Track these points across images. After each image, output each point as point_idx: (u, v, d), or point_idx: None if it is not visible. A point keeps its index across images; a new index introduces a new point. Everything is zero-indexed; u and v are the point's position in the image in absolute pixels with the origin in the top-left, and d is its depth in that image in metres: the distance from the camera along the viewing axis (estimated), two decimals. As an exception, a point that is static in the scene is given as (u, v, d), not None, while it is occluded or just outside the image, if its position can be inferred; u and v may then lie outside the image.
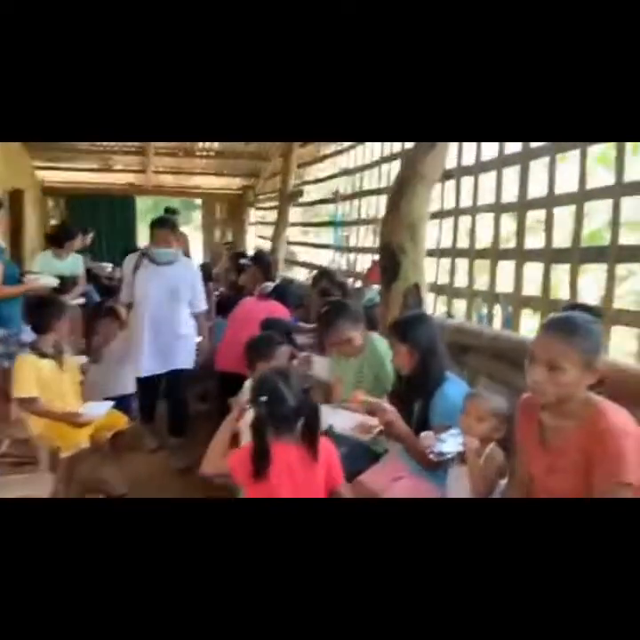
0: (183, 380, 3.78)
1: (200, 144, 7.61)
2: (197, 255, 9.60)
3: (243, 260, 5.39)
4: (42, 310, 3.11)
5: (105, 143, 7.39)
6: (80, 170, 8.25)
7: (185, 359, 3.71)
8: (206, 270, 6.98)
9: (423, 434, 1.88)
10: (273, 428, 1.76)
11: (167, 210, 6.84)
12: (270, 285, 4.29)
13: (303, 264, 6.33)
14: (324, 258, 5.70)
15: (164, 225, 3.65)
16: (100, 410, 2.90)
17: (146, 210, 21.79)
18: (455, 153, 3.13)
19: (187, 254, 6.72)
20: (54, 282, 4.00)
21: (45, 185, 8.33)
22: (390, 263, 2.69)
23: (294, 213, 6.53)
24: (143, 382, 3.68)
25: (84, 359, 3.48)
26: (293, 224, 6.53)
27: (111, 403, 3.00)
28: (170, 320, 3.61)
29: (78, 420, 2.85)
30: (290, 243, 6.49)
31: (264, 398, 1.75)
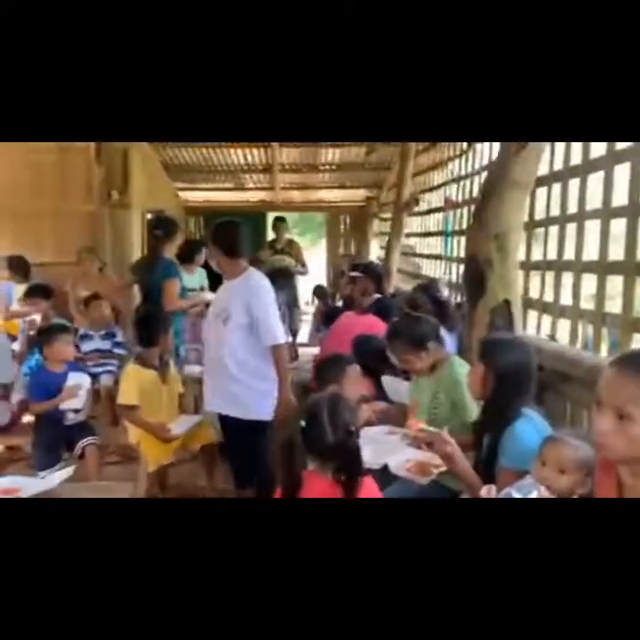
0: (246, 435, 2.82)
1: (322, 158, 7.70)
2: (321, 269, 9.73)
3: (353, 272, 5.28)
4: (150, 324, 3.28)
5: (236, 162, 7.80)
6: (217, 189, 8.76)
7: (249, 409, 2.77)
8: (321, 292, 7.07)
9: (485, 488, 1.61)
10: (308, 452, 1.62)
11: (277, 219, 7.13)
12: (373, 299, 4.15)
13: (416, 275, 6.07)
14: (437, 269, 5.39)
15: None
16: (185, 426, 2.98)
17: (291, 224, 22.83)
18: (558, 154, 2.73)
19: (303, 265, 6.82)
20: (212, 296, 4.24)
21: (188, 205, 8.96)
22: (475, 277, 2.41)
23: (417, 223, 6.30)
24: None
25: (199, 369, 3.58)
26: (408, 234, 6.30)
27: (200, 417, 3.07)
28: (218, 353, 2.82)
29: (165, 435, 2.94)
30: (405, 254, 6.26)
31: (303, 423, 1.62)
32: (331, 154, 7.57)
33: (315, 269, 8.35)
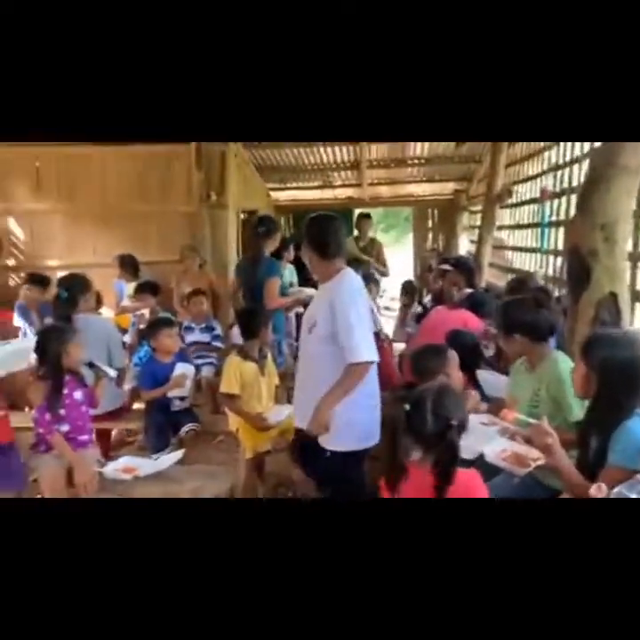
0: (324, 464, 2.43)
1: (411, 152, 7.60)
2: (408, 265, 9.59)
3: (444, 266, 5.17)
4: (252, 318, 3.40)
5: (324, 160, 7.88)
6: (305, 188, 8.90)
7: (327, 437, 2.36)
8: (410, 287, 6.93)
9: (594, 486, 1.53)
10: (410, 437, 1.64)
11: (361, 215, 6.86)
12: (465, 293, 4.05)
13: (509, 269, 5.84)
14: (530, 263, 5.17)
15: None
16: (281, 416, 3.06)
17: (376, 220, 22.72)
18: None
19: (383, 265, 6.42)
20: (312, 292, 4.38)
21: (277, 204, 9.18)
22: (578, 269, 2.30)
23: (508, 215, 6.07)
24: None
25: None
26: (500, 227, 6.07)
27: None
28: (304, 365, 2.51)
29: (261, 424, 3.05)
30: (496, 247, 6.05)
31: (407, 407, 1.63)
32: (419, 148, 7.45)
33: (400, 266, 8.27)
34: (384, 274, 6.75)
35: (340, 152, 7.58)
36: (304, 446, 2.56)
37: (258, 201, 7.73)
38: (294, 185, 8.74)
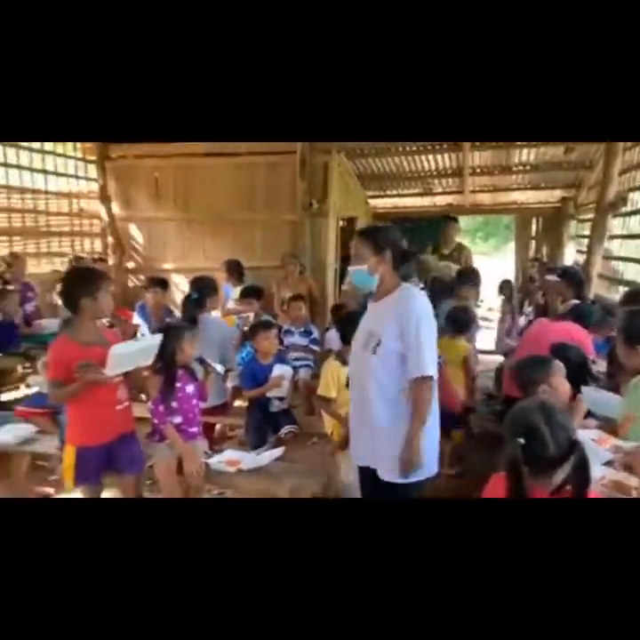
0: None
1: (516, 159, 7.34)
2: (507, 275, 9.22)
3: (550, 276, 4.94)
4: (349, 324, 3.46)
5: (426, 168, 7.81)
6: (405, 195, 8.86)
7: (394, 470, 2.16)
8: (507, 288, 6.64)
9: None
10: (529, 469, 1.50)
11: (447, 218, 6.30)
12: (569, 304, 3.86)
13: (620, 281, 5.46)
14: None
15: (360, 236, 2.31)
16: None
17: (475, 228, 22.06)
18: None
19: (473, 273, 6.07)
20: None
21: (376, 211, 9.21)
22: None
23: (618, 224, 5.68)
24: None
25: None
26: (612, 236, 5.69)
27: None
28: (363, 390, 2.25)
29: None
30: (606, 257, 5.67)
31: (521, 440, 1.49)
32: (525, 154, 7.18)
33: (500, 275, 7.95)
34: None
35: (443, 159, 7.48)
36: (362, 470, 2.40)
37: (357, 208, 7.81)
38: (394, 192, 8.74)
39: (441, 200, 8.88)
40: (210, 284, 3.81)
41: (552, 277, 4.65)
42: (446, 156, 7.32)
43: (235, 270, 5.61)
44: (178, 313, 5.25)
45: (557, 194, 8.21)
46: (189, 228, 6.59)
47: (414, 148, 7.02)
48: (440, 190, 8.59)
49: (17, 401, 4.30)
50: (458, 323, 3.86)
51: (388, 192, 8.71)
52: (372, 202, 8.93)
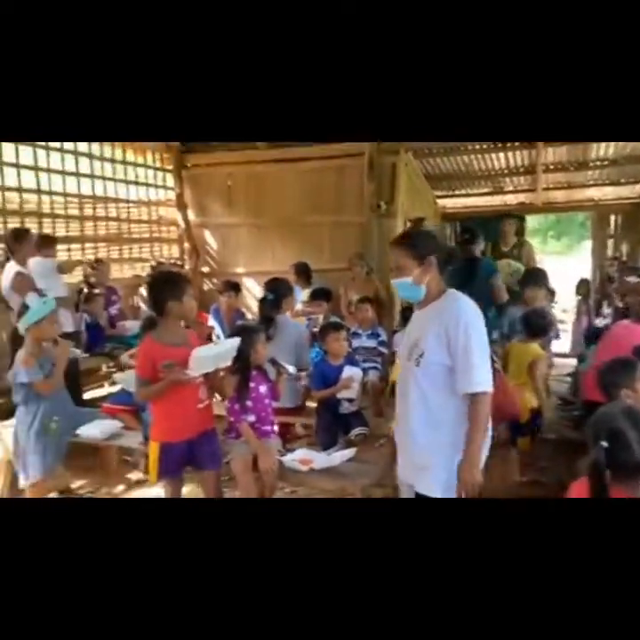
0: None
1: (593, 154, 7.01)
2: (583, 274, 8.81)
3: (629, 277, 4.70)
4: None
5: (497, 166, 7.61)
6: (474, 195, 8.68)
7: (438, 490, 1.98)
8: (585, 288, 6.31)
9: None
10: (612, 473, 1.49)
11: (506, 216, 6.17)
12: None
13: None
14: None
15: (399, 246, 2.11)
16: None
17: (547, 227, 21.13)
18: None
19: (538, 273, 5.68)
20: None
21: (445, 212, 9.07)
22: None
23: None
24: None
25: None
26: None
27: None
28: (406, 404, 2.08)
29: None
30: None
31: (605, 444, 1.47)
32: (602, 149, 6.84)
33: (574, 275, 7.62)
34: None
35: (515, 157, 7.26)
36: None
37: (425, 209, 7.72)
38: (463, 192, 8.58)
39: (512, 199, 8.63)
40: (285, 285, 3.90)
41: (632, 278, 4.42)
42: (518, 153, 7.11)
43: (303, 273, 5.69)
44: (249, 315, 5.42)
45: (638, 189, 7.78)
46: (259, 232, 6.76)
47: (485, 146, 6.86)
48: (511, 188, 8.35)
49: (102, 398, 4.57)
50: (532, 327, 3.72)
51: (457, 191, 8.57)
52: (441, 202, 8.81)
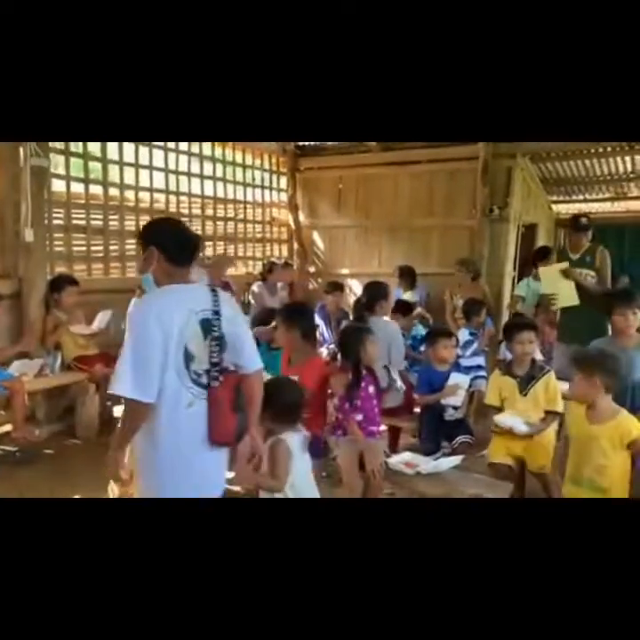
0: None
1: None
2: None
3: None
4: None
5: (620, 170, 7.04)
6: (593, 200, 8.10)
7: None
8: None
9: None
10: None
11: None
12: None
13: None
14: None
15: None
16: (533, 430, 2.89)
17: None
18: None
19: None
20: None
21: (559, 217, 8.55)
22: None
23: None
24: None
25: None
26: None
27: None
28: None
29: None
30: None
31: None
32: None
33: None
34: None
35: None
36: None
37: (538, 214, 7.32)
38: (580, 197, 8.03)
39: (635, 205, 7.96)
40: (381, 289, 3.85)
41: None
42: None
43: (407, 275, 5.63)
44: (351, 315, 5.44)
45: None
46: (367, 234, 6.77)
47: (608, 150, 6.36)
48: (636, 194, 7.69)
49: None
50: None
51: (574, 197, 8.03)
52: (555, 207, 8.31)
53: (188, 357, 1.78)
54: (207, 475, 1.89)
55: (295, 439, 2.21)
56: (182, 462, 1.80)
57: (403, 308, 4.90)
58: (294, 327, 2.98)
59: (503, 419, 2.94)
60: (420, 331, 4.89)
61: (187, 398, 1.79)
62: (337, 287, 5.31)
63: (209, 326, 1.82)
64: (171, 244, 1.87)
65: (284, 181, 7.16)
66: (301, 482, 2.19)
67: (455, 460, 2.75)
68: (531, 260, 5.61)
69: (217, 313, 1.83)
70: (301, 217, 7.14)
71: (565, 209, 8.43)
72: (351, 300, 6.36)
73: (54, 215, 4.71)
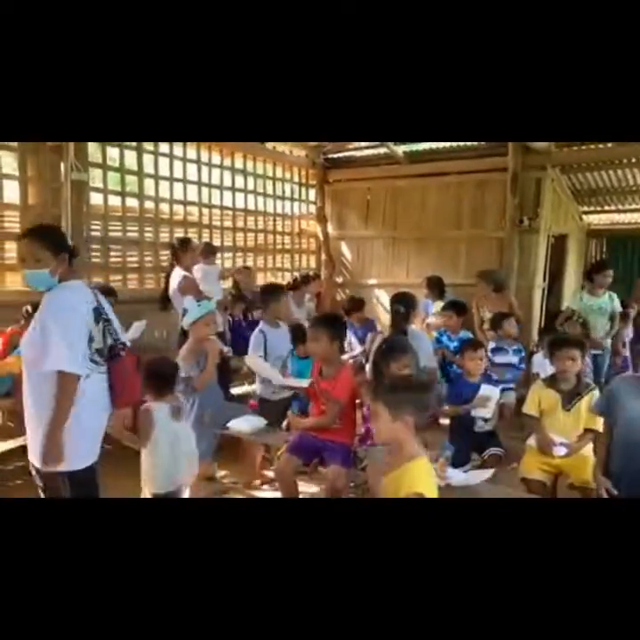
0: None
1: None
2: None
3: None
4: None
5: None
6: (626, 211, 7.93)
7: None
8: None
9: None
10: None
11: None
12: None
13: None
14: None
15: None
16: (567, 450, 2.85)
17: None
18: None
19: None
20: None
21: (590, 228, 8.39)
22: None
23: None
24: None
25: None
26: None
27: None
28: None
29: (547, 449, 2.92)
30: None
31: None
32: None
33: None
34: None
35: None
36: None
37: (569, 225, 7.21)
38: (612, 208, 7.87)
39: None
40: (413, 299, 3.91)
41: None
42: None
43: (436, 286, 5.59)
44: (379, 327, 5.43)
45: None
46: (395, 245, 6.76)
47: (641, 159, 6.23)
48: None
49: (246, 396, 4.83)
50: None
51: (606, 207, 7.87)
52: (586, 218, 8.16)
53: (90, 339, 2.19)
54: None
55: (163, 408, 2.65)
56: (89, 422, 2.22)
57: (457, 308, 4.93)
58: (333, 339, 2.99)
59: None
60: (469, 335, 4.89)
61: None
62: (355, 306, 5.33)
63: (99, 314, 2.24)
64: None
65: (312, 193, 7.22)
66: (163, 444, 2.60)
67: (487, 473, 2.71)
68: (585, 273, 5.42)
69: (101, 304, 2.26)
70: (330, 228, 7.18)
71: (597, 219, 8.28)
72: (379, 310, 6.38)
73: (92, 227, 4.86)
